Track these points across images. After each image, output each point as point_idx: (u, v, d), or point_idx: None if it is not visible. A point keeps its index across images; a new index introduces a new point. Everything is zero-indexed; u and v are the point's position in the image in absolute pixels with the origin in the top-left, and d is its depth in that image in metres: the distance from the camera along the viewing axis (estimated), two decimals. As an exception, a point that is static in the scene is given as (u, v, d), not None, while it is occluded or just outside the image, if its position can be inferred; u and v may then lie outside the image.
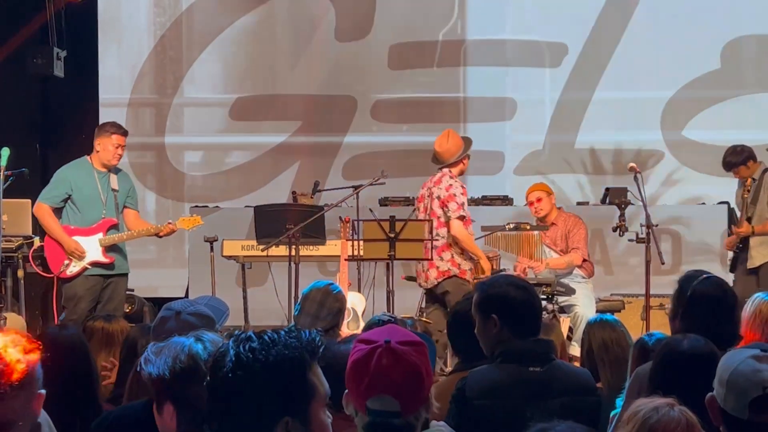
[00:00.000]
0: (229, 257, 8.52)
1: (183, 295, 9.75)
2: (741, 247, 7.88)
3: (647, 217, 7.46)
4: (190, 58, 10.91)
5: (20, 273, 7.60)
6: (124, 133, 7.37)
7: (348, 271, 7.73)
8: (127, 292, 9.49)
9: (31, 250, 7.65)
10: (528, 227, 8.00)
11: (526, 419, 3.23)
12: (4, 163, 6.96)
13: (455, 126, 10.68)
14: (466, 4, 10.77)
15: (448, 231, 7.30)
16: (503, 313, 3.41)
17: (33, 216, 7.62)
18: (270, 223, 7.84)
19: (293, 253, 7.55)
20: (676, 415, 2.19)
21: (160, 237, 7.53)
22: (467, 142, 7.56)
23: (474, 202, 9.64)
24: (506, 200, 9.87)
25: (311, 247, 8.13)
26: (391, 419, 2.20)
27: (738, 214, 8.01)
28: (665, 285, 8.34)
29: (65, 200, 7.28)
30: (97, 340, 4.53)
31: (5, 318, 6.98)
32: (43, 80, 10.35)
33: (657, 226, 7.67)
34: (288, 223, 7.64)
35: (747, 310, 4.56)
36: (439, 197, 7.32)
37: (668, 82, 10.51)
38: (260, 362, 1.93)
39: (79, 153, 7.59)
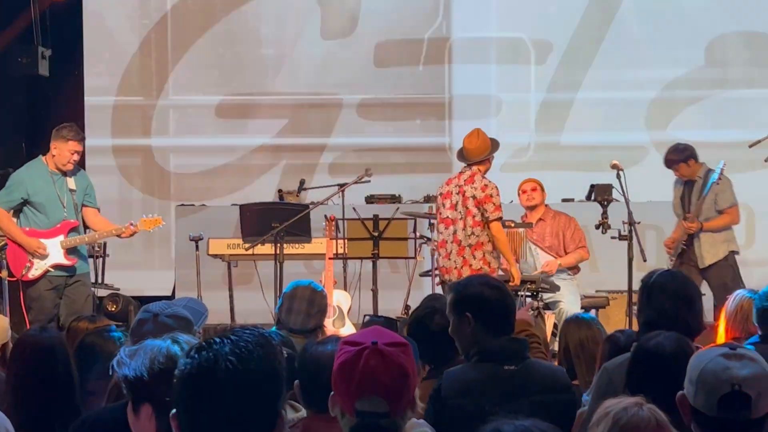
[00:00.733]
0: (215, 256, 8.53)
1: (170, 294, 9.76)
2: (686, 246, 7.94)
3: (629, 214, 7.50)
4: (176, 59, 10.91)
5: (3, 273, 7.60)
6: (81, 139, 7.35)
7: (333, 269, 7.76)
8: (112, 291, 9.53)
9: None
10: (512, 225, 8.04)
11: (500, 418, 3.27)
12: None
13: (440, 124, 10.73)
14: (451, 1, 10.79)
15: (482, 230, 7.34)
16: (477, 312, 3.46)
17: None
18: (256, 221, 7.86)
19: (279, 251, 7.57)
20: (645, 414, 2.21)
21: (122, 238, 7.51)
22: (495, 142, 7.62)
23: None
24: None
25: (297, 246, 8.15)
26: (379, 420, 2.22)
27: (679, 212, 8.03)
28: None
29: (22, 204, 7.25)
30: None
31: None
32: (29, 79, 10.34)
33: (639, 223, 7.72)
34: (274, 221, 7.67)
35: (729, 306, 4.61)
36: (474, 197, 7.36)
37: (652, 81, 10.56)
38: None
39: (64, 153, 7.57)
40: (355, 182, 8.01)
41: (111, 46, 10.92)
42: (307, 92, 10.81)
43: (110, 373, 2.47)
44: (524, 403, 3.28)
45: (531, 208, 8.30)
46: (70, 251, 7.29)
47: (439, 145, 10.72)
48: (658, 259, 8.50)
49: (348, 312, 7.77)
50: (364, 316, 6.17)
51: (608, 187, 8.40)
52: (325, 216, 7.98)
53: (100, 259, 9.52)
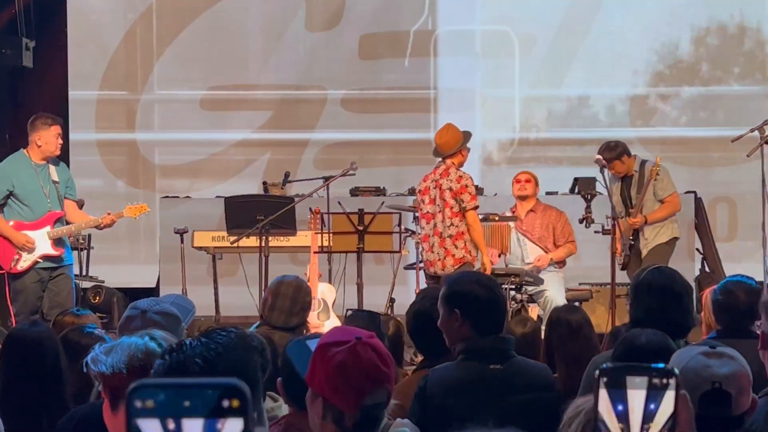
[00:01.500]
0: (200, 248, 8.54)
1: (154, 287, 9.76)
2: (633, 241, 7.98)
3: (612, 209, 7.55)
4: (160, 52, 10.89)
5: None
6: (60, 122, 7.42)
7: (318, 262, 7.78)
8: (96, 283, 9.53)
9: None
10: (496, 218, 8.08)
11: (486, 417, 3.30)
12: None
13: (425, 117, 10.74)
14: (436, -6, 10.82)
15: (460, 220, 7.41)
16: (466, 310, 3.46)
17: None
18: (241, 214, 7.87)
19: (264, 244, 7.58)
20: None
21: (101, 229, 7.52)
22: (466, 135, 7.66)
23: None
24: (476, 189, 9.92)
25: (282, 238, 8.16)
26: (379, 411, 2.25)
27: (621, 209, 8.01)
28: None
29: (6, 197, 7.26)
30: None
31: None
32: (12, 71, 10.31)
33: (623, 218, 7.76)
34: (259, 214, 7.68)
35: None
36: (450, 188, 7.43)
37: (636, 76, 10.60)
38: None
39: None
40: (340, 176, 8.03)
41: (95, 39, 10.89)
42: (291, 85, 10.81)
43: (84, 370, 2.44)
44: (510, 402, 3.30)
45: (522, 198, 8.34)
46: (57, 242, 7.32)
47: (424, 138, 10.74)
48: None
49: (333, 305, 7.80)
50: (347, 310, 6.18)
51: (592, 181, 8.44)
52: (310, 209, 7.99)
53: (85, 252, 9.51)
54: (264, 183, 9.50)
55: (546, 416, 3.24)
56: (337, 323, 7.50)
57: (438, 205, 7.48)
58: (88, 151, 10.78)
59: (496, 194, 9.55)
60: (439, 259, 7.48)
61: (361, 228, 6.95)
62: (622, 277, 8.07)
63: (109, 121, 10.86)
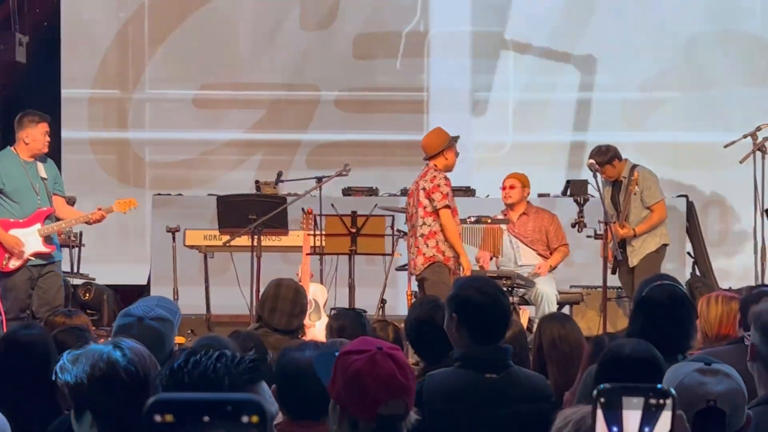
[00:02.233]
0: (192, 247, 8.52)
1: (145, 284, 9.74)
2: (621, 250, 8.00)
3: (605, 213, 7.56)
4: (152, 51, 10.87)
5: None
6: (48, 120, 7.39)
7: (310, 263, 7.78)
8: (86, 280, 9.51)
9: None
10: (489, 221, 8.08)
11: (480, 426, 3.30)
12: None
13: (418, 118, 10.74)
14: (430, -4, 10.82)
15: (433, 220, 7.41)
16: (463, 315, 3.44)
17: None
18: (233, 213, 7.86)
19: (256, 243, 7.57)
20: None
21: (91, 224, 7.51)
22: (451, 138, 7.65)
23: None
24: (468, 191, 9.94)
25: (274, 238, 8.15)
26: (397, 422, 2.25)
27: (612, 216, 8.00)
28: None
29: None
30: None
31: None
32: (5, 66, 10.27)
33: (615, 222, 7.77)
34: (251, 213, 7.67)
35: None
36: (424, 188, 7.44)
37: (629, 80, 10.61)
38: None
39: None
40: (333, 177, 8.02)
41: (88, 37, 10.86)
42: (284, 85, 10.80)
43: (53, 378, 2.41)
44: (504, 412, 3.30)
45: (508, 206, 8.35)
46: (47, 239, 7.30)
47: (416, 139, 10.73)
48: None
49: (324, 305, 7.80)
50: (331, 309, 6.20)
51: (584, 183, 8.46)
52: (303, 209, 7.98)
53: (76, 249, 9.49)
54: (257, 182, 9.49)
55: (540, 427, 3.24)
56: (329, 324, 7.51)
57: (414, 205, 7.49)
58: (80, 149, 10.75)
59: (488, 196, 9.55)
60: (412, 258, 7.50)
61: (353, 230, 6.95)
62: (613, 280, 8.09)
63: (101, 119, 10.84)
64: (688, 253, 9.64)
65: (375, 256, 8.44)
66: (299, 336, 5.05)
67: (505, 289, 7.69)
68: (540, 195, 9.49)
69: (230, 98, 10.82)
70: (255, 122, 10.80)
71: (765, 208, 8.02)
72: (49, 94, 10.43)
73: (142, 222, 10.18)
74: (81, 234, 9.44)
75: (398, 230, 8.20)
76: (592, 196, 8.11)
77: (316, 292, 7.79)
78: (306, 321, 7.34)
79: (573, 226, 7.86)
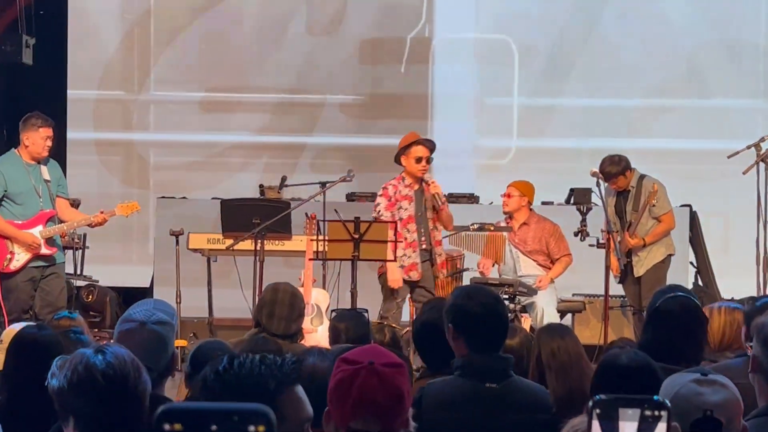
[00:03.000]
0: (195, 250, 8.54)
1: (148, 287, 9.77)
2: (628, 260, 8.01)
3: (608, 222, 7.57)
4: (158, 54, 10.90)
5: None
6: (51, 125, 7.39)
7: (312, 268, 7.79)
8: (89, 282, 9.53)
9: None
10: (492, 228, 8.09)
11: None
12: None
13: (422, 123, 10.76)
14: (434, 2, 10.83)
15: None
16: (458, 325, 3.44)
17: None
18: (236, 217, 7.88)
19: (259, 247, 7.59)
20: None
21: (93, 227, 7.53)
22: (406, 143, 7.62)
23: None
24: (472, 198, 9.95)
25: (277, 242, 8.17)
26: None
27: (614, 225, 7.99)
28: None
29: (1, 198, 7.26)
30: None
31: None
32: (12, 67, 10.30)
33: (617, 231, 7.78)
34: (255, 217, 7.69)
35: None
36: None
37: (634, 88, 10.63)
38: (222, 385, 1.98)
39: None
40: (337, 183, 8.04)
41: (94, 38, 10.90)
42: (289, 89, 10.83)
43: (45, 383, 2.40)
44: (503, 422, 3.28)
45: (506, 214, 8.34)
46: (49, 241, 7.32)
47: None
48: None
49: (326, 310, 7.81)
50: (331, 311, 6.21)
51: (587, 192, 8.45)
52: (306, 214, 8.00)
53: (80, 251, 9.52)
54: (260, 186, 9.51)
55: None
56: (330, 328, 7.52)
57: None
58: (86, 150, 10.79)
59: (491, 203, 9.57)
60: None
61: (356, 236, 6.96)
62: (616, 289, 8.09)
63: (106, 120, 10.87)
64: (691, 263, 9.65)
65: (378, 262, 8.46)
66: (298, 340, 5.06)
67: (507, 296, 7.75)
68: (544, 203, 9.50)
69: (235, 101, 10.85)
70: (260, 126, 10.83)
71: None
72: (54, 95, 10.47)
73: (146, 225, 10.21)
74: (85, 236, 9.47)
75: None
76: (596, 205, 8.11)
77: (318, 298, 7.80)
78: (308, 326, 7.38)
79: (576, 234, 7.86)
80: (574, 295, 8.96)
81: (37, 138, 7.26)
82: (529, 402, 3.36)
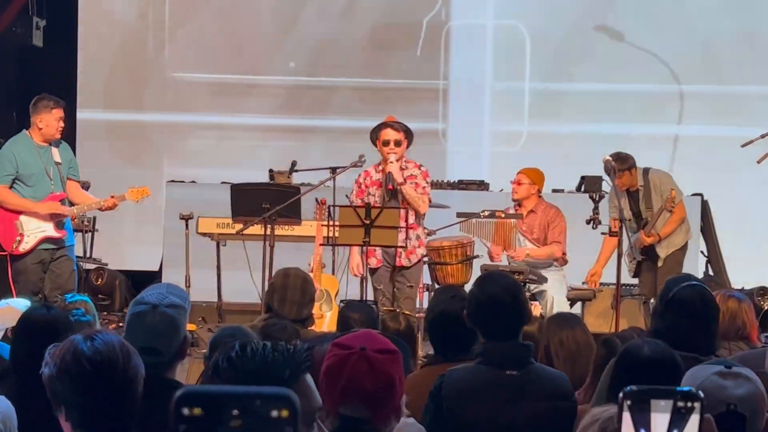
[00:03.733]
0: (204, 235, 8.52)
1: (157, 270, 9.75)
2: (644, 256, 7.97)
3: (619, 210, 7.52)
4: (173, 34, 10.86)
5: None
6: (63, 105, 7.38)
7: (322, 253, 7.76)
8: (99, 266, 9.52)
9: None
10: (502, 215, 8.04)
11: (499, 423, 3.27)
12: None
13: (435, 107, 10.72)
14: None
15: None
16: (469, 313, 3.45)
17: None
18: (246, 201, 7.84)
19: (268, 232, 7.56)
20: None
21: (103, 211, 7.51)
22: (374, 130, 7.57)
23: (450, 186, 9.68)
24: (482, 185, 9.91)
25: (287, 227, 8.14)
26: (360, 426, 2.23)
27: (630, 221, 7.93)
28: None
29: (14, 179, 7.23)
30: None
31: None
32: (22, 49, 10.28)
33: (630, 220, 7.74)
34: (264, 202, 7.65)
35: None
36: None
37: (648, 74, 10.57)
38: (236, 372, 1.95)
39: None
40: (348, 168, 8.00)
41: (107, 19, 10.86)
42: (303, 72, 10.79)
43: (40, 372, 2.37)
44: (523, 409, 3.26)
45: (515, 201, 8.29)
46: (59, 224, 7.30)
47: (433, 129, 10.73)
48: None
49: (335, 296, 7.79)
50: (340, 301, 6.18)
51: (598, 179, 8.41)
52: (316, 199, 7.97)
53: (89, 234, 9.50)
54: (270, 171, 9.47)
55: (560, 425, 3.21)
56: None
57: None
58: (96, 131, 10.76)
59: (502, 190, 9.52)
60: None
61: (367, 221, 6.92)
62: (626, 277, 8.05)
63: (118, 102, 10.84)
64: (702, 252, 9.60)
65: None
66: (309, 326, 5.04)
67: (517, 284, 7.71)
68: (554, 191, 9.45)
69: (249, 84, 10.81)
70: (272, 109, 10.80)
71: None
72: (65, 77, 10.44)
73: (156, 208, 10.18)
74: (94, 219, 9.45)
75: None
76: (607, 193, 8.06)
77: (327, 283, 7.78)
78: (317, 311, 7.35)
79: (588, 222, 7.80)
80: (584, 283, 8.92)
81: (50, 119, 7.24)
82: (550, 389, 3.34)
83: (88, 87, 10.73)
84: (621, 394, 1.39)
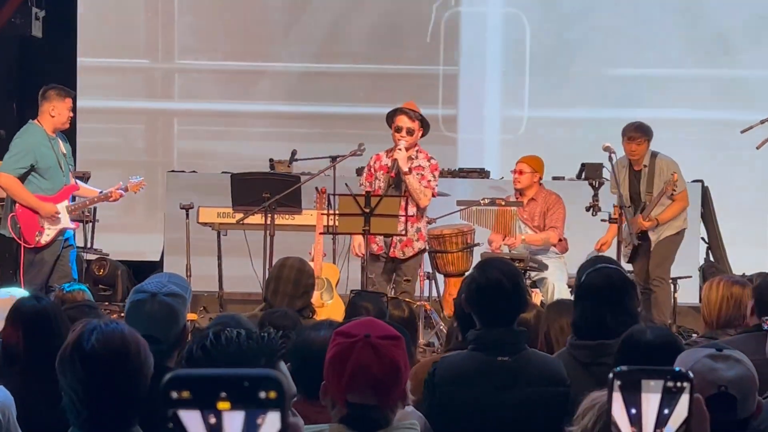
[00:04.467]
0: (205, 224, 8.53)
1: (158, 260, 9.77)
2: (641, 241, 7.95)
3: (619, 197, 7.53)
4: (182, 20, 10.85)
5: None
6: (72, 95, 7.43)
7: (323, 242, 7.78)
8: (100, 255, 9.53)
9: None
10: (503, 203, 8.05)
11: (491, 409, 3.29)
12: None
13: (446, 93, 10.73)
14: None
15: None
16: (467, 297, 3.44)
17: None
18: (246, 191, 7.86)
19: (269, 222, 7.58)
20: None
21: (110, 201, 7.54)
22: (392, 113, 7.54)
23: (450, 174, 9.68)
24: (483, 173, 9.91)
25: (287, 216, 8.15)
26: (369, 413, 2.25)
27: (626, 205, 7.89)
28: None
29: (28, 172, 7.22)
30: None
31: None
32: (21, 40, 10.28)
33: (630, 206, 7.74)
34: (265, 192, 7.66)
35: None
36: None
37: (650, 59, 10.55)
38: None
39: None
40: (347, 156, 8.00)
41: (113, 5, 10.84)
42: (312, 58, 10.78)
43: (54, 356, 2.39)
44: (516, 395, 3.27)
45: (517, 191, 8.30)
46: (73, 216, 7.34)
47: (443, 114, 10.72)
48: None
49: (336, 285, 7.80)
50: (351, 291, 6.19)
51: (599, 167, 8.39)
52: (316, 188, 7.98)
53: (90, 224, 9.51)
54: (270, 160, 9.48)
55: (553, 410, 3.22)
56: (340, 303, 7.51)
57: None
58: (96, 121, 10.76)
59: (502, 178, 9.53)
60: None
61: (367, 210, 6.93)
62: (626, 265, 8.05)
63: (122, 90, 10.84)
64: (702, 239, 9.60)
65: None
66: (309, 316, 5.05)
67: (517, 271, 7.72)
68: (554, 178, 9.45)
69: (258, 70, 10.81)
70: (276, 98, 10.80)
71: None
72: (64, 68, 10.43)
73: (156, 197, 10.20)
74: (95, 209, 9.46)
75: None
76: (607, 180, 8.06)
77: (328, 272, 7.79)
78: (318, 300, 7.37)
79: (588, 209, 7.80)
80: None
81: (63, 108, 7.25)
82: (543, 374, 3.33)
83: (90, 77, 10.73)
84: (611, 375, 1.40)
